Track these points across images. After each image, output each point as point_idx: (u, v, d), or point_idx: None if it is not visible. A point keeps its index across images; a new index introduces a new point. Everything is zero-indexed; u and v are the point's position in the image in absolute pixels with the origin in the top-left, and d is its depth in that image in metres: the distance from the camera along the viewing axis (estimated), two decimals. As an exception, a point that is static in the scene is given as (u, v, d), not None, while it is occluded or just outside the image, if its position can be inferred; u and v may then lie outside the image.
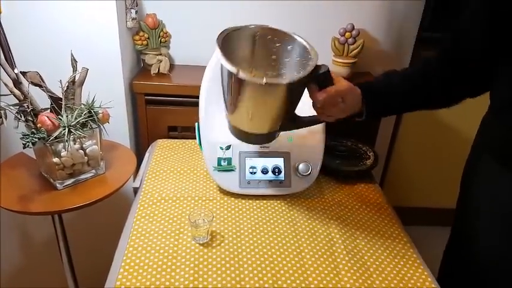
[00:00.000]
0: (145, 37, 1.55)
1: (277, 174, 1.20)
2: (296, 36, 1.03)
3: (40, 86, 1.14)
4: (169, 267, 0.95)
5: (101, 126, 1.20)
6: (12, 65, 1.10)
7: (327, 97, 0.93)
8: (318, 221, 1.14)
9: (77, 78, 1.17)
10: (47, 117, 1.08)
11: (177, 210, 1.14)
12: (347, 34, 1.62)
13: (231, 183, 1.20)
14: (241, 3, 1.61)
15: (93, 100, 1.16)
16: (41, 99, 1.15)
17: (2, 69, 1.08)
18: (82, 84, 1.18)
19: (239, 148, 1.20)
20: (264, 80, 0.87)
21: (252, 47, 1.05)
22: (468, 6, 0.89)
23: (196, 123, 1.25)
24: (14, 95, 1.10)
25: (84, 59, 1.18)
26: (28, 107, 1.10)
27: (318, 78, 0.93)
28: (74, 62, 1.16)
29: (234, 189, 1.20)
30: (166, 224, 1.08)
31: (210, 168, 1.20)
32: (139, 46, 1.56)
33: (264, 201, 1.20)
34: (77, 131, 1.10)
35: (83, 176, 1.22)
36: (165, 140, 1.51)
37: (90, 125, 1.16)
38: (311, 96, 0.96)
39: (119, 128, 1.50)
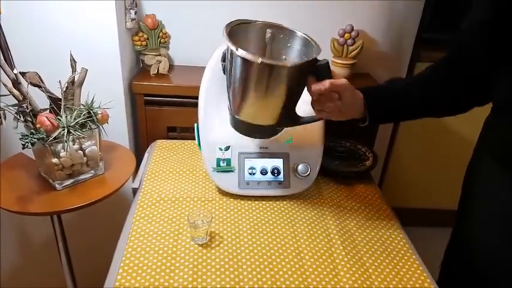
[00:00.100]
0: (144, 38, 1.55)
1: (276, 175, 1.20)
2: (305, 36, 1.04)
3: (39, 87, 1.14)
4: (168, 268, 0.95)
5: (100, 127, 1.20)
6: (12, 66, 1.10)
7: (321, 88, 0.91)
8: (317, 222, 1.14)
9: (76, 79, 1.17)
10: (46, 117, 1.08)
11: (176, 211, 1.14)
12: (346, 35, 1.62)
13: (230, 184, 1.20)
14: (240, 4, 1.61)
15: (92, 101, 1.16)
16: (40, 100, 1.15)
17: (1, 69, 1.08)
18: (81, 85, 1.18)
19: (238, 149, 1.20)
20: (260, 60, 0.89)
21: (263, 46, 1.06)
22: (468, 9, 0.89)
23: (195, 124, 1.25)
24: (13, 96, 1.10)
25: (83, 60, 1.18)
26: (27, 108, 1.10)
27: (316, 70, 0.93)
28: (73, 62, 1.16)
29: (233, 190, 1.20)
30: (165, 225, 1.08)
31: (209, 169, 1.20)
32: (138, 47, 1.56)
33: (263, 202, 1.20)
34: (76, 132, 1.10)
35: (82, 177, 1.22)
36: (164, 140, 1.51)
37: (90, 126, 1.16)
38: (308, 88, 0.95)
39: (118, 128, 1.50)
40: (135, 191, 1.25)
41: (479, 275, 0.96)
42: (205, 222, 1.04)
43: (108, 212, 1.53)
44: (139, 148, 1.63)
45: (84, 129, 1.15)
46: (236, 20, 1.02)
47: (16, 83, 1.09)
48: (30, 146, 1.08)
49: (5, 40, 1.09)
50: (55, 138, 1.09)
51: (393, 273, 0.99)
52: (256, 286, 0.92)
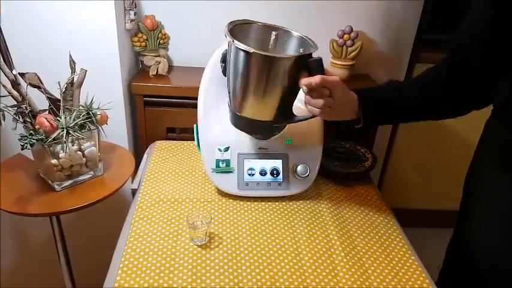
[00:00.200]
0: (143, 38, 1.55)
1: (275, 176, 1.20)
2: (302, 36, 1.06)
3: (38, 88, 1.14)
4: (167, 269, 0.95)
5: (99, 128, 1.20)
6: (11, 66, 1.10)
7: (311, 82, 0.91)
8: (316, 223, 1.14)
9: (75, 80, 1.17)
10: (45, 118, 1.08)
11: (175, 212, 1.14)
12: (345, 36, 1.63)
13: (229, 185, 1.20)
14: (239, 5, 1.61)
15: (91, 101, 1.16)
16: (40, 101, 1.15)
17: (0, 70, 1.08)
18: (80, 86, 1.18)
19: (237, 150, 1.20)
20: (252, 50, 0.93)
21: (265, 46, 1.09)
22: (467, 10, 0.89)
23: (194, 125, 1.25)
24: (13, 97, 1.10)
25: (82, 61, 1.18)
26: (26, 109, 1.10)
27: (309, 66, 0.94)
28: (72, 63, 1.16)
29: (232, 190, 1.20)
30: (164, 226, 1.08)
31: (209, 169, 1.20)
32: (137, 47, 1.56)
33: (262, 203, 1.20)
34: (75, 133, 1.10)
35: (81, 178, 1.22)
36: (163, 141, 1.51)
37: (89, 127, 1.16)
38: (299, 82, 0.96)
39: (117, 129, 1.50)
40: (134, 191, 1.25)
41: (479, 276, 0.96)
42: (204, 223, 1.04)
43: (107, 213, 1.53)
44: (139, 149, 1.63)
45: (83, 130, 1.15)
46: (237, 20, 1.04)
47: (15, 84, 1.09)
48: (29, 147, 1.08)
49: (4, 41, 1.09)
50: (54, 139, 1.08)
51: (392, 273, 0.99)
52: (255, 287, 0.92)
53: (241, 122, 1.12)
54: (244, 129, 1.16)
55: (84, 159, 1.19)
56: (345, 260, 1.01)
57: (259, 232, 1.09)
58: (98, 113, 1.18)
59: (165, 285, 0.91)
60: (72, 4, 1.30)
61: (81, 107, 1.17)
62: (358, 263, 1.01)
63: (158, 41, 1.59)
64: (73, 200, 1.14)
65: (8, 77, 1.08)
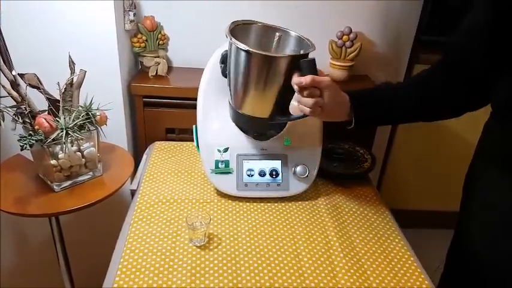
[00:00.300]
0: (143, 39, 1.55)
1: (274, 176, 1.20)
2: (299, 35, 1.09)
3: (38, 88, 1.14)
4: (166, 270, 0.95)
5: (99, 128, 1.20)
6: (10, 67, 1.10)
7: (302, 81, 0.94)
8: (315, 224, 1.14)
9: (74, 80, 1.17)
10: (45, 119, 1.08)
11: (174, 213, 1.14)
12: (344, 37, 1.63)
13: (228, 186, 1.20)
14: (238, 6, 1.61)
15: (91, 102, 1.16)
16: (39, 101, 1.15)
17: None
18: (80, 86, 1.18)
19: (237, 151, 1.20)
20: (247, 48, 0.96)
21: (266, 47, 1.11)
22: (466, 10, 0.89)
23: (194, 126, 1.25)
24: (12, 97, 1.10)
25: (82, 61, 1.18)
26: (26, 109, 1.10)
27: (302, 66, 0.96)
28: (71, 64, 1.16)
29: (231, 191, 1.20)
30: (163, 227, 1.08)
31: (208, 170, 1.20)
32: (137, 48, 1.56)
33: (262, 204, 1.20)
34: (75, 133, 1.10)
35: (80, 178, 1.22)
36: (162, 142, 1.52)
37: (88, 127, 1.16)
38: (291, 81, 0.98)
39: (116, 130, 1.50)
40: (133, 192, 1.25)
41: (480, 277, 0.96)
42: (203, 224, 1.04)
43: (106, 213, 1.53)
44: (138, 150, 1.63)
45: (82, 131, 1.15)
46: (239, 20, 1.07)
47: (15, 85, 1.09)
48: (29, 148, 1.08)
49: (4, 41, 1.09)
50: (53, 139, 1.09)
51: (391, 274, 0.99)
52: (254, 287, 0.92)
53: (241, 119, 1.14)
54: (244, 126, 1.18)
55: (83, 159, 1.19)
56: (344, 260, 1.01)
57: (258, 233, 1.09)
58: (97, 113, 1.18)
59: (164, 285, 0.91)
60: (71, 5, 1.30)
61: (80, 108, 1.17)
62: (357, 263, 1.01)
63: (158, 41, 1.59)
64: (72, 200, 1.14)
65: (7, 78, 1.08)
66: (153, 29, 1.55)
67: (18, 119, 1.11)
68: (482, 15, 0.86)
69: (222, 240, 1.05)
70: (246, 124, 1.17)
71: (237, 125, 1.19)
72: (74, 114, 1.13)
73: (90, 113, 1.16)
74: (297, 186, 1.22)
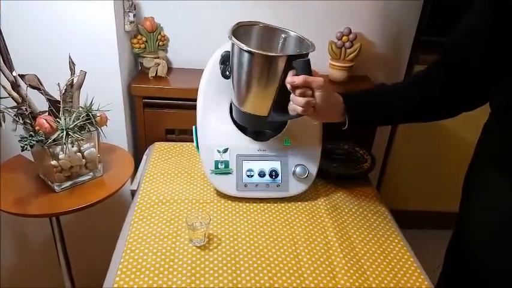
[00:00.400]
0: (143, 40, 1.56)
1: (274, 177, 1.20)
2: (300, 36, 1.10)
3: (38, 89, 1.14)
4: (166, 270, 0.95)
5: (99, 129, 1.20)
6: (11, 68, 1.10)
7: (294, 80, 0.96)
8: (315, 224, 1.14)
9: (75, 81, 1.17)
10: (45, 120, 1.08)
11: (174, 213, 1.14)
12: (344, 38, 1.63)
13: (228, 186, 1.20)
14: (238, 7, 1.62)
15: (91, 103, 1.17)
16: (39, 102, 1.15)
17: (0, 72, 1.08)
18: (80, 87, 1.18)
19: (236, 151, 1.20)
20: (246, 48, 0.99)
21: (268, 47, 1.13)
22: (466, 11, 0.89)
23: (193, 126, 1.25)
24: (13, 98, 1.11)
25: (82, 62, 1.19)
26: (26, 110, 1.11)
27: (296, 66, 0.97)
28: (72, 65, 1.17)
29: (231, 192, 1.20)
30: (163, 227, 1.09)
31: (207, 171, 1.20)
32: (137, 49, 1.56)
33: (261, 204, 1.20)
34: (75, 134, 1.11)
35: (80, 179, 1.22)
36: (162, 142, 1.52)
37: (88, 128, 1.17)
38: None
39: (116, 130, 1.51)
40: (133, 193, 1.25)
41: (479, 277, 0.96)
42: (203, 224, 1.04)
43: (106, 213, 1.54)
44: (138, 150, 1.63)
45: (83, 132, 1.15)
46: (242, 22, 1.09)
47: (15, 85, 1.10)
48: (29, 148, 1.08)
49: (4, 42, 1.09)
50: (54, 140, 1.09)
51: (391, 275, 0.99)
52: (254, 287, 0.92)
53: (241, 117, 1.16)
54: (245, 124, 1.19)
55: (83, 160, 1.20)
56: (343, 261, 1.01)
57: (258, 233, 1.09)
58: (98, 114, 1.18)
59: (164, 285, 0.91)
60: (71, 6, 1.31)
61: (80, 109, 1.17)
62: (357, 264, 1.01)
63: (157, 42, 1.59)
64: (73, 201, 1.14)
65: (8, 79, 1.09)
66: (152, 30, 1.56)
67: (19, 119, 1.12)
68: (482, 15, 0.86)
69: (222, 240, 1.06)
70: (247, 122, 1.18)
71: (238, 123, 1.20)
72: (74, 115, 1.13)
73: (90, 114, 1.16)
74: (296, 187, 1.22)
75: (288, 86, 0.98)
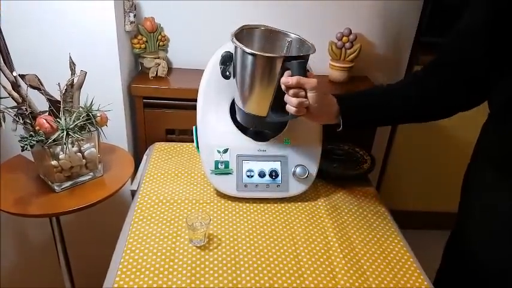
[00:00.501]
0: (143, 40, 1.56)
1: (274, 177, 1.20)
2: (299, 37, 1.12)
3: (38, 89, 1.14)
4: (166, 270, 0.95)
5: (99, 129, 1.20)
6: (11, 68, 1.10)
7: (288, 81, 0.97)
8: (315, 225, 1.14)
9: (75, 81, 1.17)
10: (45, 120, 1.08)
11: (174, 213, 1.14)
12: (344, 38, 1.63)
13: (228, 186, 1.20)
14: (238, 7, 1.62)
15: (91, 103, 1.17)
16: (40, 102, 1.15)
17: (0, 72, 1.08)
18: (80, 87, 1.18)
19: (236, 151, 1.21)
20: (248, 50, 1.01)
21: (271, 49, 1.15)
22: (463, 14, 0.89)
23: (193, 127, 1.25)
24: (13, 98, 1.11)
25: (82, 62, 1.19)
26: (26, 110, 1.11)
27: (291, 67, 0.98)
28: (72, 65, 1.17)
29: (231, 192, 1.20)
30: (163, 227, 1.09)
31: (208, 171, 1.20)
32: (137, 49, 1.56)
33: (261, 205, 1.20)
34: (75, 134, 1.11)
35: (80, 179, 1.22)
36: (162, 143, 1.52)
37: (89, 128, 1.17)
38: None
39: (117, 130, 1.51)
40: (133, 193, 1.25)
41: (477, 277, 0.96)
42: (203, 225, 1.04)
43: (106, 214, 1.54)
44: (138, 150, 1.63)
45: (83, 132, 1.15)
46: (245, 25, 1.11)
47: (15, 85, 1.10)
48: (29, 148, 1.08)
49: (5, 42, 1.09)
50: (54, 140, 1.09)
51: (390, 275, 0.99)
52: (254, 288, 0.92)
53: (246, 118, 1.17)
54: (248, 125, 1.19)
55: (84, 160, 1.20)
56: (343, 261, 1.01)
57: (257, 233, 1.09)
58: (98, 114, 1.18)
59: (164, 286, 0.91)
60: (72, 6, 1.31)
61: (81, 109, 1.17)
62: (357, 264, 1.02)
63: (158, 43, 1.59)
64: (73, 201, 1.14)
65: (8, 79, 1.09)
66: (153, 30, 1.56)
67: (19, 119, 1.12)
68: (481, 15, 0.86)
69: (222, 240, 1.06)
70: (249, 123, 1.18)
71: (238, 123, 1.20)
72: (74, 115, 1.13)
73: (90, 114, 1.16)
74: (296, 187, 1.22)
75: (283, 86, 1.00)
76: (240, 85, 1.11)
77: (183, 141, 1.53)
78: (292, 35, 1.12)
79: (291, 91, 0.98)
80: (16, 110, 1.11)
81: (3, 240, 1.63)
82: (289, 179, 1.21)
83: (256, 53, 1.01)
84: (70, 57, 1.16)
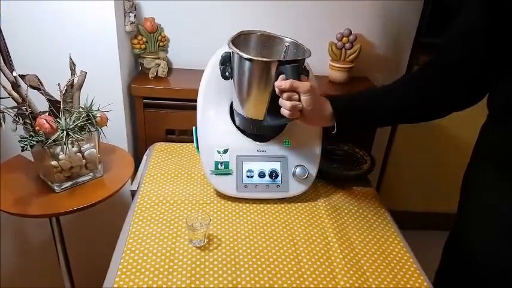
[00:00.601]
0: (143, 41, 1.56)
1: (274, 178, 1.20)
2: (295, 41, 1.13)
3: (39, 89, 1.14)
4: (166, 270, 0.95)
5: (99, 130, 1.20)
6: (11, 68, 1.10)
7: (282, 84, 0.99)
8: (315, 225, 1.14)
9: (75, 82, 1.17)
10: (45, 120, 1.08)
11: (174, 214, 1.14)
12: (344, 39, 1.63)
13: (228, 187, 1.20)
14: (238, 8, 1.62)
15: (91, 103, 1.17)
16: (40, 102, 1.15)
17: (0, 72, 1.08)
18: (80, 88, 1.19)
19: (236, 152, 1.21)
20: (244, 55, 1.02)
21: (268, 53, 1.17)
22: (461, 13, 0.90)
23: (193, 127, 1.25)
24: (13, 98, 1.11)
25: (82, 63, 1.19)
26: (26, 110, 1.11)
27: (285, 71, 1.00)
28: (72, 65, 1.17)
29: (231, 192, 1.20)
30: (163, 227, 1.09)
31: (207, 171, 1.20)
32: (137, 50, 1.56)
33: (261, 205, 1.21)
34: (75, 134, 1.11)
35: (80, 179, 1.22)
36: (162, 143, 1.52)
37: (89, 128, 1.17)
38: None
39: (117, 131, 1.51)
40: (133, 193, 1.25)
41: (477, 277, 0.96)
42: (203, 225, 1.04)
43: (106, 214, 1.54)
44: (138, 151, 1.63)
45: (83, 132, 1.15)
46: (242, 31, 1.13)
47: (15, 86, 1.10)
48: (29, 149, 1.08)
49: (5, 43, 1.09)
50: (54, 140, 1.09)
51: (390, 276, 0.99)
52: (253, 288, 0.92)
53: (244, 122, 1.18)
54: (247, 129, 1.20)
55: (83, 160, 1.20)
56: (343, 262, 1.01)
57: (257, 234, 1.09)
58: (98, 114, 1.18)
59: (164, 286, 0.91)
60: (72, 6, 1.31)
61: (81, 109, 1.17)
62: (357, 265, 1.02)
63: (158, 43, 1.59)
64: (73, 201, 1.14)
65: (8, 79, 1.09)
66: (153, 30, 1.56)
67: (19, 120, 1.12)
68: (480, 15, 0.86)
69: (222, 241, 1.06)
70: (248, 126, 1.19)
71: (240, 126, 1.21)
72: (74, 115, 1.13)
73: (90, 114, 1.16)
74: (296, 188, 1.22)
75: (277, 90, 1.01)
76: (237, 90, 1.12)
77: (183, 142, 1.53)
78: (288, 40, 1.14)
79: (285, 94, 1.00)
80: (16, 110, 1.11)
81: (3, 240, 1.63)
82: (289, 179, 1.21)
83: (252, 57, 1.03)
84: (70, 58, 1.16)
